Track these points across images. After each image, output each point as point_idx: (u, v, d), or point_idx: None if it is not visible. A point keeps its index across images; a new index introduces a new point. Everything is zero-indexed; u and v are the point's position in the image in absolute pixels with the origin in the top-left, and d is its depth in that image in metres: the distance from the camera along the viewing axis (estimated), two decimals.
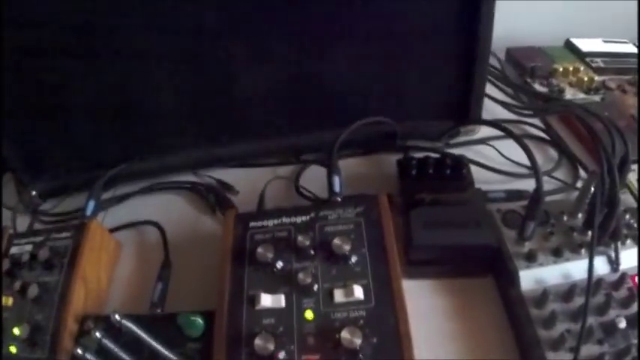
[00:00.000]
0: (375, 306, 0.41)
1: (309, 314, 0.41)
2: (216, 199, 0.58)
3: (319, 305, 0.41)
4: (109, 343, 0.45)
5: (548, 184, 0.57)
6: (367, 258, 0.43)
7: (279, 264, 0.44)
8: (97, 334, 0.45)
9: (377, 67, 0.59)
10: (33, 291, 0.50)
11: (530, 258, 0.45)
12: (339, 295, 0.41)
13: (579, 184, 0.58)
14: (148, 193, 0.63)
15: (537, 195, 0.45)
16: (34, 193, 0.63)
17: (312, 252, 0.44)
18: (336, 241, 0.43)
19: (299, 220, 0.47)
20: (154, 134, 0.61)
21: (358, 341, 0.38)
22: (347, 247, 0.43)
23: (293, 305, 0.42)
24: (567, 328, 0.41)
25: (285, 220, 0.47)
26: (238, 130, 0.61)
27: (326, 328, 0.40)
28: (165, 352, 0.42)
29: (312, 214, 0.47)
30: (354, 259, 0.43)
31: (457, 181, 0.54)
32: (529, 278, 0.45)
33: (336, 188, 0.50)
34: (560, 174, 0.60)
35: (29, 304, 0.50)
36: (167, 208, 0.60)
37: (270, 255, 0.43)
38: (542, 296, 0.43)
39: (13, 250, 0.55)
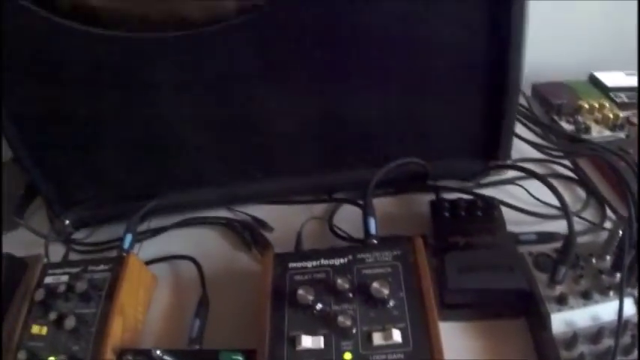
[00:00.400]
0: (413, 350, 0.42)
1: (347, 356, 0.42)
2: (251, 236, 0.60)
3: (358, 348, 0.43)
4: None
5: (576, 225, 0.57)
6: (405, 301, 0.45)
7: (319, 306, 0.45)
8: None
9: (405, 105, 0.60)
10: (70, 322, 0.50)
11: (562, 301, 0.46)
12: (377, 339, 0.42)
13: (607, 225, 0.59)
14: (182, 227, 0.64)
15: (569, 240, 0.46)
16: (67, 222, 0.65)
17: (351, 295, 0.46)
18: (375, 285, 0.44)
19: (337, 262, 0.48)
20: (188, 169, 0.64)
21: None
22: (385, 291, 0.44)
23: (332, 347, 0.43)
24: None
25: (323, 261, 0.49)
26: (272, 166, 0.63)
27: None
28: None
29: (350, 257, 0.49)
30: (392, 302, 0.45)
31: (488, 223, 0.55)
32: (560, 321, 0.45)
33: (372, 230, 0.51)
34: (588, 214, 0.61)
35: (65, 335, 0.51)
36: (202, 244, 0.62)
37: (310, 297, 0.45)
38: (572, 339, 0.43)
39: (48, 279, 0.56)
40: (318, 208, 0.64)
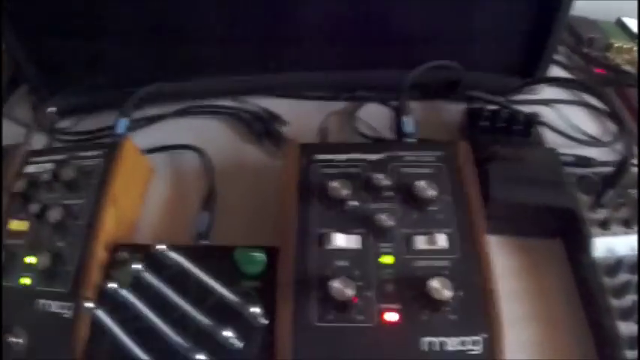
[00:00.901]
0: (460, 258, 0.37)
1: (387, 259, 0.37)
2: (265, 128, 0.53)
3: (399, 251, 0.38)
4: (150, 277, 0.40)
5: (608, 155, 0.54)
6: (451, 206, 0.40)
7: (353, 203, 0.40)
8: (135, 266, 0.41)
9: (451, 9, 0.54)
10: (55, 214, 0.43)
11: (604, 225, 0.43)
12: (421, 242, 0.38)
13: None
14: (183, 115, 0.56)
15: (624, 161, 0.43)
16: (53, 109, 0.56)
17: (391, 193, 0.40)
18: (420, 184, 0.39)
19: (372, 157, 0.42)
20: (194, 53, 0.55)
21: (449, 293, 0.34)
22: (430, 192, 0.39)
23: (369, 248, 0.38)
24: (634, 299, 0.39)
25: (356, 155, 0.43)
26: (289, 57, 0.56)
27: (407, 276, 0.36)
28: (222, 289, 0.38)
29: (387, 153, 0.43)
30: (436, 205, 0.40)
31: (527, 138, 0.51)
32: (602, 246, 0.42)
33: (410, 129, 0.46)
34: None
35: (49, 229, 0.44)
36: (205, 134, 0.54)
37: (345, 191, 0.39)
38: (616, 265, 0.41)
39: (30, 168, 0.48)
40: (337, 106, 0.57)
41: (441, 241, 0.38)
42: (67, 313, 0.41)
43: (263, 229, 0.42)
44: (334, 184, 0.39)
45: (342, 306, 0.35)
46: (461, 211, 0.39)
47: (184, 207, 0.47)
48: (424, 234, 0.38)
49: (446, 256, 0.37)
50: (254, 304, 0.36)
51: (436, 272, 0.36)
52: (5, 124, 0.57)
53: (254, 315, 0.36)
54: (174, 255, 0.40)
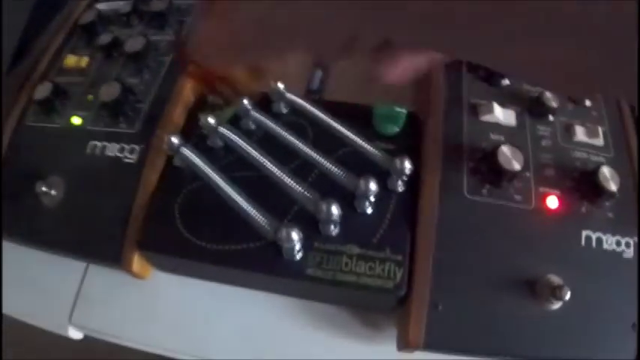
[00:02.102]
0: (614, 157, 0.34)
1: (545, 142, 0.33)
2: None
3: (557, 137, 0.34)
4: (261, 118, 0.33)
5: None
6: (602, 105, 0.36)
7: (506, 81, 0.35)
8: (244, 103, 0.33)
9: None
10: (135, 44, 0.36)
11: None
12: (580, 134, 0.34)
13: None
14: None
15: None
16: None
17: None
18: None
19: None
20: None
21: (616, 185, 0.31)
22: None
23: (526, 128, 0.34)
24: None
25: None
26: None
27: (566, 164, 0.33)
28: (359, 140, 0.32)
29: None
30: (589, 101, 0.36)
31: None
32: None
33: None
34: None
35: (121, 62, 0.38)
36: None
37: None
38: None
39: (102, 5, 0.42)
40: None
41: (600, 135, 0.34)
42: (130, 158, 0.33)
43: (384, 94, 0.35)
44: None
45: (500, 180, 0.31)
46: (612, 112, 0.36)
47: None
48: (584, 125, 0.34)
49: (601, 153, 0.34)
50: (402, 157, 0.30)
51: (595, 166, 0.33)
52: None
53: (402, 169, 0.30)
54: (292, 98, 0.33)
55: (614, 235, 0.31)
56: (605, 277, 0.31)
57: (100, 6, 0.41)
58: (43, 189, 0.32)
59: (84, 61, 0.39)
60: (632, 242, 0.31)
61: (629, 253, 0.31)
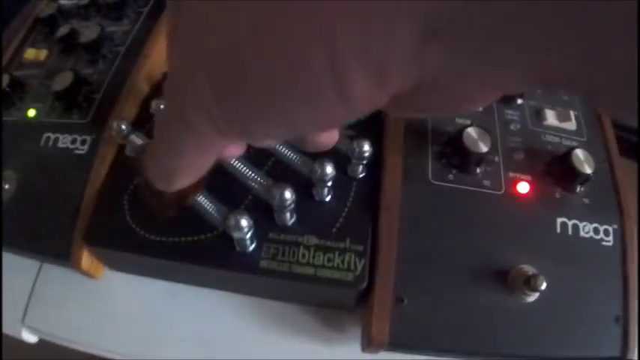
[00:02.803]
0: (587, 141, 0.32)
1: (514, 126, 0.32)
2: None
3: (526, 121, 0.32)
4: None
5: None
6: None
7: None
8: None
9: None
10: (90, 34, 0.36)
11: None
12: (551, 117, 0.32)
13: None
14: None
15: None
16: None
17: None
18: None
19: None
20: None
21: (589, 169, 0.29)
22: None
23: (494, 111, 0.32)
24: None
25: None
26: None
27: (537, 148, 0.31)
28: None
29: None
30: None
31: None
32: None
33: None
34: None
35: (77, 54, 0.37)
36: None
37: None
38: None
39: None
40: None
41: (572, 119, 0.32)
42: (82, 149, 0.32)
43: None
44: None
45: (467, 163, 0.29)
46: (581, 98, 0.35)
47: None
48: (553, 109, 0.33)
49: (573, 137, 0.32)
50: (360, 140, 0.28)
51: (568, 149, 0.31)
52: None
53: (361, 153, 0.28)
54: None
55: (591, 222, 0.29)
56: (583, 267, 0.29)
57: (62, 1, 0.41)
58: None
59: (42, 53, 0.38)
60: (611, 230, 0.30)
61: (609, 241, 0.29)
